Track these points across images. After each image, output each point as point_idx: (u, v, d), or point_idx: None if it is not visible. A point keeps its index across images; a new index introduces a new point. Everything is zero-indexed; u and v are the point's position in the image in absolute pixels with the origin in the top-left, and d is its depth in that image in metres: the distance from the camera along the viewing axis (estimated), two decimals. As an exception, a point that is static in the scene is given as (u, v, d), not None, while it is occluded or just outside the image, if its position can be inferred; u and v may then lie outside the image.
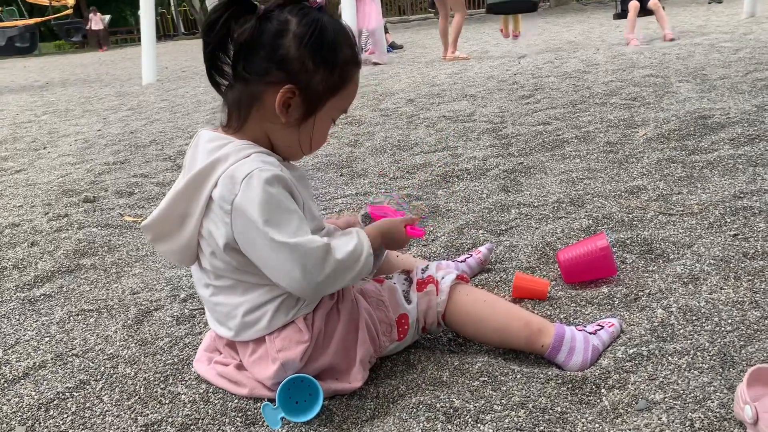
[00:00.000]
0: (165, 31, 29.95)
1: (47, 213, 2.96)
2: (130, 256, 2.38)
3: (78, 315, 1.92)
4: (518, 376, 1.38)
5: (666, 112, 3.59)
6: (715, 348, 1.40)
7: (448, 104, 4.76)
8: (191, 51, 17.32)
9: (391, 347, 1.48)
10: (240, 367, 1.44)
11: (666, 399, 1.25)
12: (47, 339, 1.79)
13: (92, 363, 1.63)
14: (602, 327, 1.49)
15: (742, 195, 2.25)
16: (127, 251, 2.43)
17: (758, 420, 1.08)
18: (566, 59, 6.64)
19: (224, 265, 1.33)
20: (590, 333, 1.46)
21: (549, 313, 1.66)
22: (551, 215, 2.32)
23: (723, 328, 1.47)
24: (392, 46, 10.96)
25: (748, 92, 3.91)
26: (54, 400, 1.48)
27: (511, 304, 1.54)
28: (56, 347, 1.73)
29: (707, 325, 1.49)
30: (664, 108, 3.71)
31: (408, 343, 1.51)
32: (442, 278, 1.48)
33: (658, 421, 1.18)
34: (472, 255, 1.94)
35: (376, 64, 8.57)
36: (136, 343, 1.71)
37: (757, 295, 1.60)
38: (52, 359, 1.67)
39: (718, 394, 1.24)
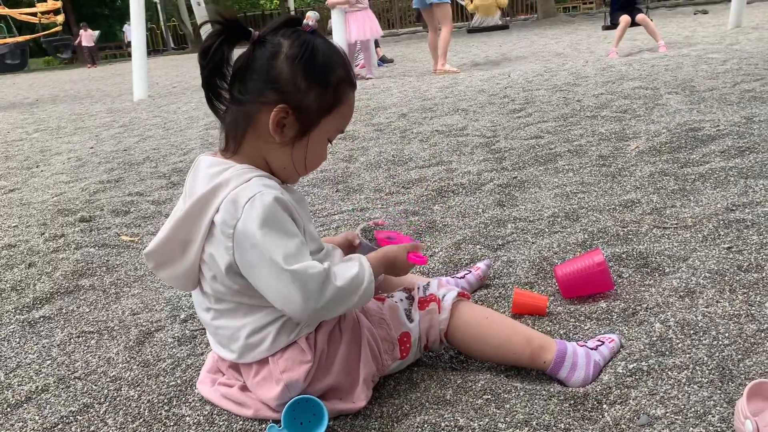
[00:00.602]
0: (155, 46, 30.00)
1: (43, 233, 2.96)
2: (129, 276, 2.38)
3: (79, 337, 1.92)
4: (521, 394, 1.39)
5: (657, 124, 3.64)
6: (714, 362, 1.42)
7: (440, 118, 4.80)
8: (182, 66, 17.32)
9: (393, 366, 1.49)
10: (244, 388, 1.44)
11: (667, 414, 1.27)
12: (48, 362, 1.79)
13: (95, 386, 1.63)
14: (603, 342, 1.51)
15: (734, 207, 2.28)
16: (125, 271, 2.44)
17: (759, 434, 1.10)
18: (556, 72, 6.71)
19: (225, 289, 1.34)
20: (591, 349, 1.48)
21: (549, 329, 1.68)
22: (547, 230, 2.34)
23: (720, 342, 1.49)
24: (383, 60, 11.03)
25: (736, 103, 3.97)
26: (58, 424, 1.48)
27: (512, 321, 1.56)
28: (58, 370, 1.73)
29: (705, 339, 1.51)
30: (654, 120, 3.76)
31: (410, 361, 1.53)
32: (444, 296, 1.50)
33: (661, 437, 1.20)
34: (471, 271, 1.96)
35: (368, 78, 8.62)
36: (138, 365, 1.71)
37: (753, 308, 1.63)
38: (54, 382, 1.67)
39: (718, 408, 1.26)
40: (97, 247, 2.69)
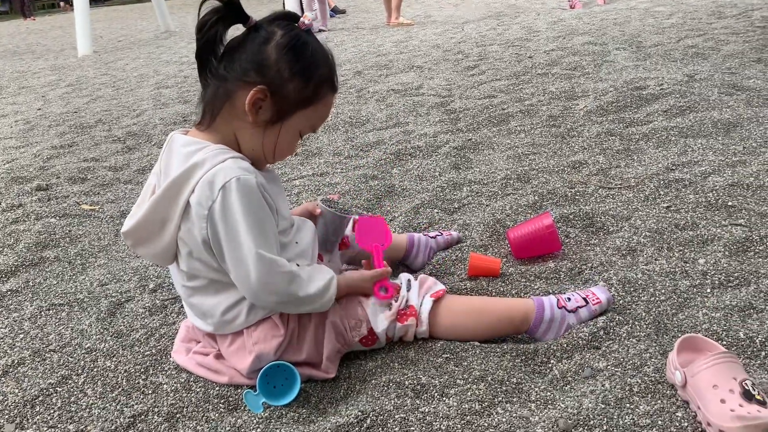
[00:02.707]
0: (95, -5, 28.66)
1: (0, 203, 2.93)
2: (93, 247, 2.41)
3: (49, 310, 1.96)
4: (477, 351, 1.51)
5: (604, 82, 3.76)
6: (651, 317, 1.56)
7: (395, 76, 4.83)
8: (126, 17, 16.72)
9: (357, 347, 1.56)
10: (219, 356, 1.53)
11: (608, 366, 1.41)
12: (21, 335, 1.83)
13: (71, 358, 1.69)
14: (587, 303, 1.58)
15: (674, 167, 2.43)
16: (89, 241, 2.46)
17: (686, 383, 1.24)
18: (508, 25, 6.76)
19: (200, 265, 1.41)
20: (570, 311, 1.56)
21: (502, 289, 1.79)
22: (500, 192, 2.45)
23: (657, 298, 1.64)
24: (335, 11, 10.86)
25: (680, 60, 4.12)
26: (39, 396, 1.54)
27: (490, 304, 1.62)
28: (32, 343, 1.78)
29: (643, 296, 1.65)
30: (602, 78, 3.88)
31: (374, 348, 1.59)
32: (422, 305, 1.55)
33: (602, 387, 1.34)
34: (442, 234, 2.06)
35: (320, 30, 8.50)
36: (111, 336, 1.77)
37: (687, 264, 1.78)
38: (30, 356, 1.72)
39: (653, 360, 1.40)
40: (57, 217, 2.69)
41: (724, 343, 1.43)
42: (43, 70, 7.80)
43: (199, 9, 1.35)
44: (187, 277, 1.45)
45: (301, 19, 1.41)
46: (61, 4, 23.45)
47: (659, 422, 1.22)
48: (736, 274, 1.69)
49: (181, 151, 1.38)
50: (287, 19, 1.40)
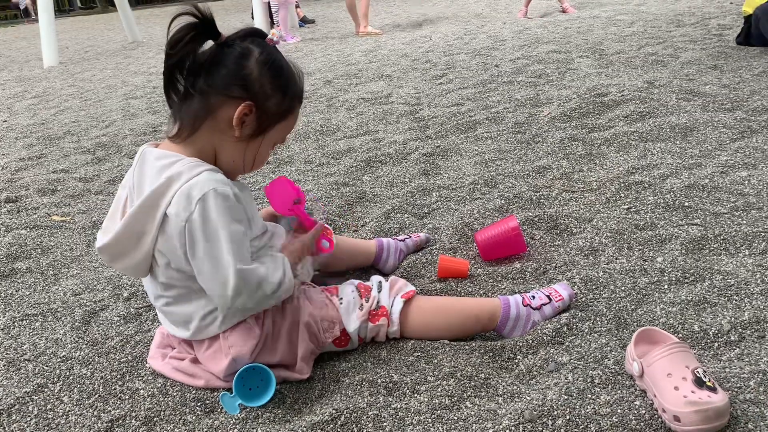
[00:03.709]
0: (59, 6, 28.34)
1: (-32, 216, 2.91)
2: (65, 257, 2.42)
3: (22, 320, 1.96)
4: (447, 349, 1.57)
5: (568, 89, 3.87)
6: (612, 313, 1.63)
7: (365, 85, 4.90)
8: (91, 28, 16.54)
9: (330, 348, 1.61)
10: (195, 361, 1.55)
11: (571, 360, 1.47)
12: (-5, 346, 1.83)
13: (46, 366, 1.70)
14: (550, 301, 1.65)
15: (634, 170, 2.52)
16: (61, 252, 2.46)
17: (643, 373, 1.31)
18: (475, 34, 6.88)
19: (178, 275, 1.44)
20: (535, 308, 1.63)
21: (470, 289, 1.85)
22: (468, 197, 2.52)
23: (618, 295, 1.71)
24: (304, 21, 10.91)
25: (640, 67, 4.26)
26: (15, 405, 1.55)
27: (458, 304, 1.68)
28: (6, 354, 1.79)
29: (605, 293, 1.73)
30: (566, 85, 3.99)
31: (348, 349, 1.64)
32: (392, 305, 1.60)
33: (565, 380, 1.40)
34: (410, 237, 2.12)
35: (284, 41, 8.53)
36: (87, 344, 1.79)
37: (646, 263, 1.86)
38: (4, 366, 1.72)
39: (613, 353, 1.47)
40: (28, 229, 2.68)
41: (680, 335, 1.51)
42: (8, 82, 7.70)
43: (170, 24, 1.37)
44: (163, 288, 1.48)
45: (269, 36, 1.46)
46: (25, 21, 23.12)
47: (619, 411, 1.28)
48: (691, 271, 1.77)
49: (155, 164, 1.41)
50: (257, 35, 1.45)
